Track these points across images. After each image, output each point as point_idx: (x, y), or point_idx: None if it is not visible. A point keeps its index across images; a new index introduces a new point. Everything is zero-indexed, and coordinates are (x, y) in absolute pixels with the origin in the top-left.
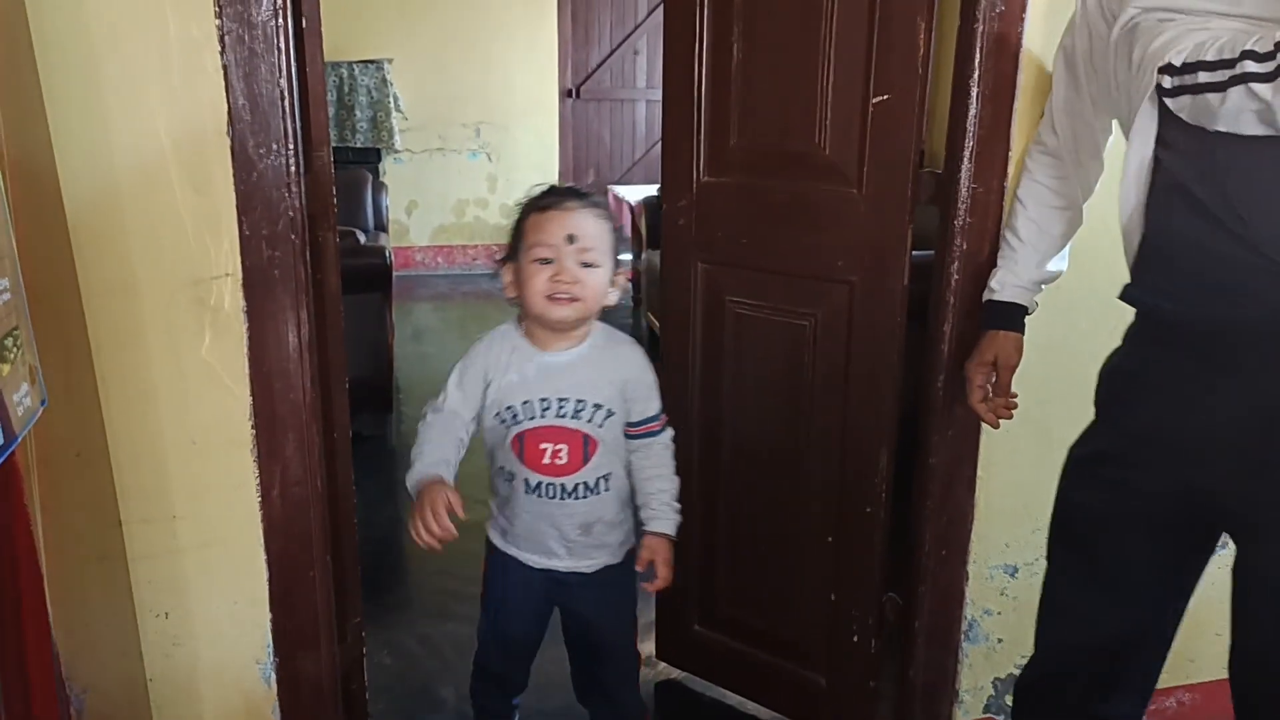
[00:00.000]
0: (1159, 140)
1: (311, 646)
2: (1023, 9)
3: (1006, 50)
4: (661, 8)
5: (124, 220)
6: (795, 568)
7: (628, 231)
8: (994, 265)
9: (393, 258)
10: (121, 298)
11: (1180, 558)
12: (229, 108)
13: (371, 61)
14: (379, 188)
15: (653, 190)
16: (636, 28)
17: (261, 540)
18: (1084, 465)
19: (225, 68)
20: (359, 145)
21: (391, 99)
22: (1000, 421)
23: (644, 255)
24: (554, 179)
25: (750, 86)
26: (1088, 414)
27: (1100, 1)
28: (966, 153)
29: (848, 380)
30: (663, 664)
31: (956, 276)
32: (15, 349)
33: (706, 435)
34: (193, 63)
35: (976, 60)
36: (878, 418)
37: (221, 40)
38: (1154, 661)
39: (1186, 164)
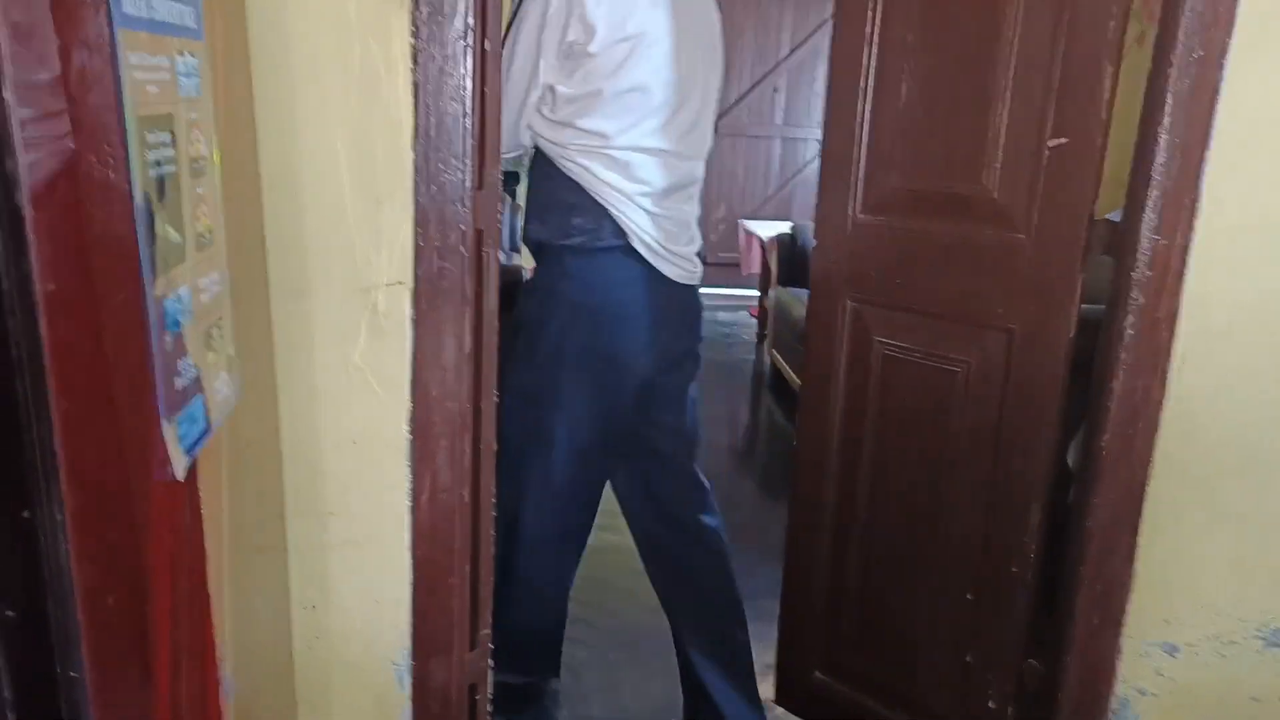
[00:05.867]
0: None
1: (445, 652)
2: (1223, 54)
3: (1202, 97)
4: (803, 47)
5: (305, 226)
6: (929, 623)
7: (757, 267)
8: (1174, 321)
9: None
10: (300, 300)
11: None
12: (415, 124)
13: None
14: (514, 209)
15: (784, 227)
16: (777, 65)
17: (408, 543)
18: None
19: (416, 85)
20: None
21: None
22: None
23: (772, 291)
24: None
25: (916, 125)
26: (1271, 486)
27: None
28: (1150, 203)
29: (1000, 431)
30: (780, 709)
31: (1130, 332)
32: (220, 339)
33: (844, 476)
34: (381, 81)
35: (1168, 108)
36: (1031, 473)
37: (415, 59)
38: None
39: None
